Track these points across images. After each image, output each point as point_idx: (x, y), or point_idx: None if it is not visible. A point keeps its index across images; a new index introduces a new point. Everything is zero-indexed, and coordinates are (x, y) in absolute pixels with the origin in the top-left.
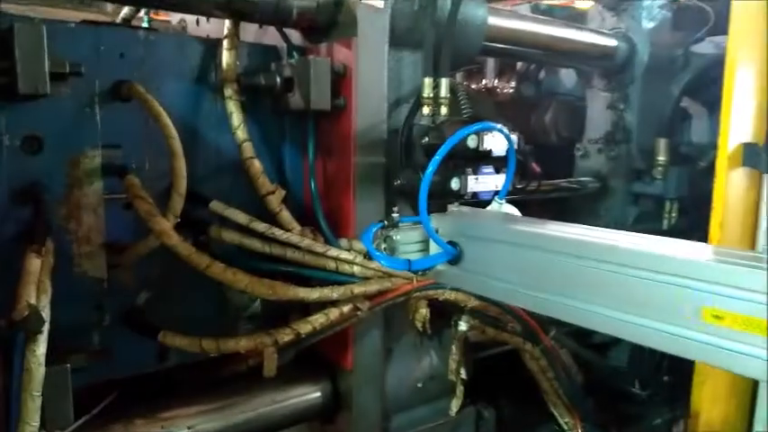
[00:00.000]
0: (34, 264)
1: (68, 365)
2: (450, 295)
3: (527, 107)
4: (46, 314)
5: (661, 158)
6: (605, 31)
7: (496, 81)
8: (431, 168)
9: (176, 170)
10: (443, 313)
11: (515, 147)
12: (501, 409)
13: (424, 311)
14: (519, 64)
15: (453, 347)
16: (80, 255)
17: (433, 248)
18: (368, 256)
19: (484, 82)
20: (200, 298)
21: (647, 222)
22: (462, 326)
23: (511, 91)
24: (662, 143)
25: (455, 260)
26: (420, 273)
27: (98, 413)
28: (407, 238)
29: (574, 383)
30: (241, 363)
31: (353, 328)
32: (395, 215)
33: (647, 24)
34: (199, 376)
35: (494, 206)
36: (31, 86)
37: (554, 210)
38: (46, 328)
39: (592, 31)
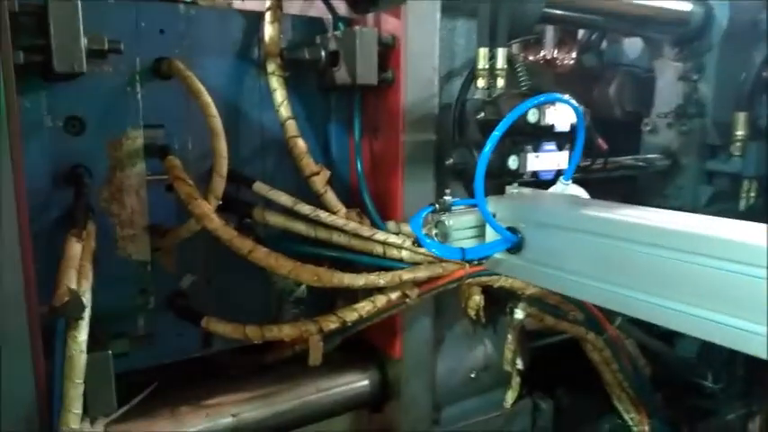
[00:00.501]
0: (75, 248)
1: (110, 352)
2: (505, 282)
3: (589, 79)
4: (87, 299)
5: (739, 133)
6: None
7: (556, 52)
8: (489, 146)
9: (217, 150)
10: (498, 300)
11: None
12: (559, 400)
13: (477, 299)
14: (580, 33)
15: (509, 336)
16: (123, 238)
17: (490, 235)
18: (417, 242)
19: (542, 53)
20: (244, 281)
21: (722, 203)
22: (519, 314)
23: (572, 62)
24: (741, 117)
25: (515, 248)
26: (475, 262)
27: (142, 399)
28: (461, 224)
29: (640, 376)
30: (286, 348)
31: (402, 316)
32: (447, 198)
33: None
34: (243, 361)
35: (558, 187)
36: (66, 64)
37: (618, 190)
38: (87, 313)
39: None
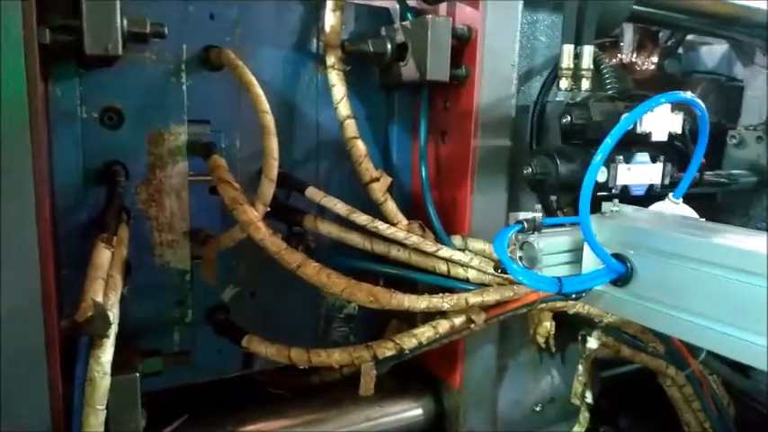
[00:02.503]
0: (103, 256)
1: (137, 375)
2: (582, 308)
3: (669, 87)
4: (114, 314)
5: None
6: None
7: (634, 56)
8: (601, 155)
9: (268, 150)
10: (568, 326)
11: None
12: None
13: (548, 325)
14: (661, 36)
15: (579, 367)
16: (161, 243)
17: (588, 262)
18: (501, 267)
19: (620, 57)
20: (291, 294)
21: None
22: (592, 343)
23: (652, 67)
24: None
25: (622, 281)
26: (573, 296)
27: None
28: (553, 247)
29: (723, 417)
30: (334, 371)
31: (464, 341)
32: (536, 215)
33: None
34: (286, 382)
35: (666, 206)
36: (99, 46)
37: (695, 208)
38: (113, 330)
39: None
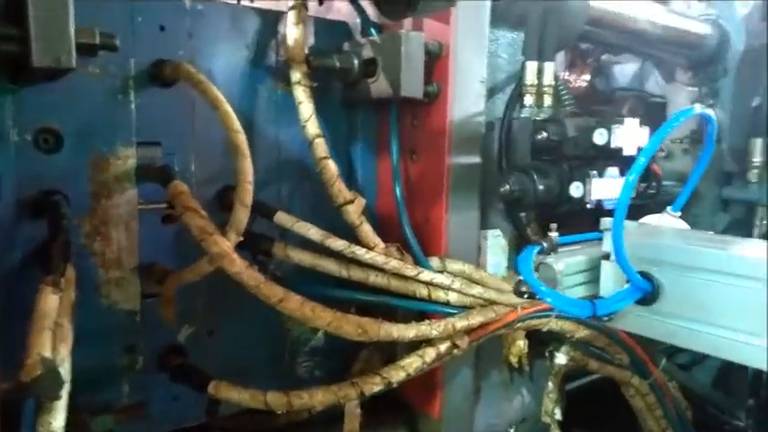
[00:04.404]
0: (50, 302)
1: None
2: (555, 324)
3: (602, 102)
4: (65, 371)
5: (756, 160)
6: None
7: (567, 74)
8: (635, 174)
9: (242, 174)
10: (536, 343)
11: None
12: None
13: (521, 344)
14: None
15: (550, 384)
16: (108, 282)
17: (607, 282)
18: (528, 292)
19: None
20: (252, 330)
21: (737, 232)
22: (561, 358)
23: (584, 85)
24: (757, 143)
25: (648, 299)
26: (606, 319)
27: None
28: (571, 267)
29: (684, 421)
30: (302, 409)
31: (442, 368)
32: (553, 234)
33: (740, 10)
34: (246, 426)
35: (663, 219)
36: (49, 57)
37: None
38: (66, 390)
39: (686, 16)
